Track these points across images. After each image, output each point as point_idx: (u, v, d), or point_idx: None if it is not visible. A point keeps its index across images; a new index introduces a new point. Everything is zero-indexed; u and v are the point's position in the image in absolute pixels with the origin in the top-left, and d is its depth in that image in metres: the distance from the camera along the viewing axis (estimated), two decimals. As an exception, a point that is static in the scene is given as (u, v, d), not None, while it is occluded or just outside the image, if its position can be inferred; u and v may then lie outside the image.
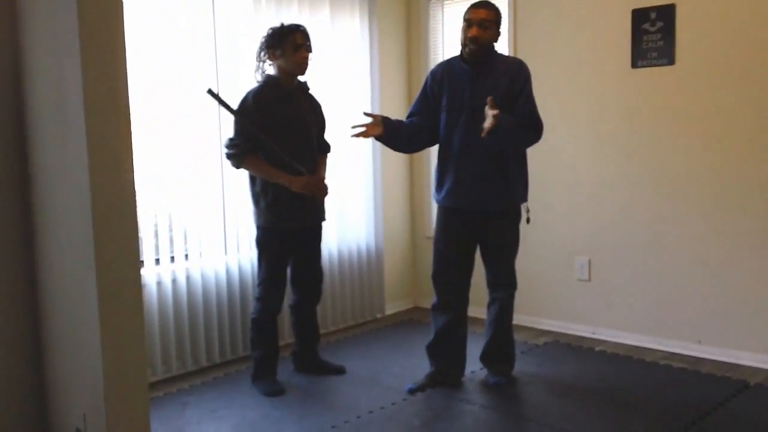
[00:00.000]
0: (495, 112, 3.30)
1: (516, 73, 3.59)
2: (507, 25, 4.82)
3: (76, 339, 2.67)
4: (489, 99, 3.37)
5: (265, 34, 3.76)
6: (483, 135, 3.36)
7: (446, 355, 3.81)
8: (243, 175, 3.89)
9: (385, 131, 3.63)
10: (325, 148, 4.03)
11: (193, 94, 4.08)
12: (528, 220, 3.75)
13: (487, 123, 3.33)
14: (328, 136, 4.08)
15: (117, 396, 2.58)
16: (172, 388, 3.93)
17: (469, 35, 3.54)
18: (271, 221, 3.74)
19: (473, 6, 3.59)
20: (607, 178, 4.53)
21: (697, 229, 4.20)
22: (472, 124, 3.56)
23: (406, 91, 5.42)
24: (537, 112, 3.57)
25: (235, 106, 3.70)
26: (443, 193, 3.70)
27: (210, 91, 3.60)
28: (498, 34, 3.62)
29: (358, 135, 3.63)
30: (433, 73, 3.78)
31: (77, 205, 2.54)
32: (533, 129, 3.53)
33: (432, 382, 3.79)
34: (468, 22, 3.56)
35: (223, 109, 4.15)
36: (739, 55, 3.99)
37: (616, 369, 4.07)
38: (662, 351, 4.31)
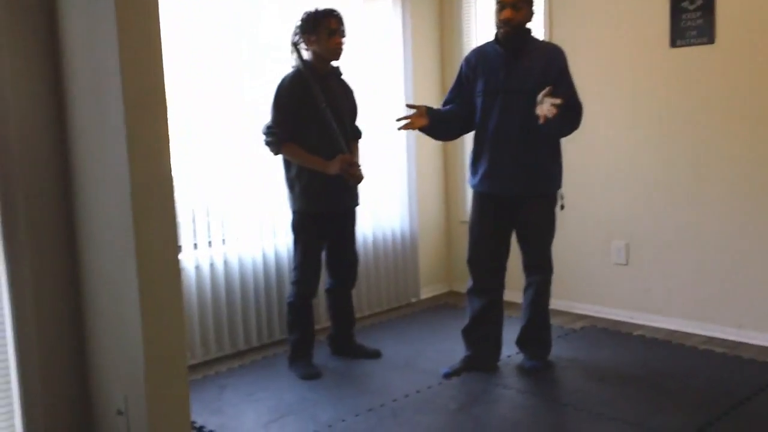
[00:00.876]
0: (557, 101, 3.25)
1: (552, 58, 3.55)
2: (543, 5, 4.77)
3: (117, 323, 2.72)
4: (548, 88, 3.33)
5: (300, 18, 3.77)
6: (541, 122, 3.33)
7: (482, 339, 3.81)
8: (278, 161, 3.91)
9: (431, 122, 3.62)
10: (357, 134, 4.04)
11: (229, 80, 4.11)
12: (562, 207, 3.72)
13: (546, 110, 3.28)
14: (360, 121, 4.08)
15: (157, 378, 2.62)
16: (210, 370, 3.99)
17: (501, 17, 3.51)
18: (306, 205, 3.76)
19: None
20: (645, 160, 4.46)
21: (737, 213, 4.13)
22: (506, 107, 3.54)
23: (440, 78, 5.39)
24: (578, 97, 3.53)
25: (272, 92, 3.73)
26: (478, 177, 3.69)
27: (295, 44, 3.71)
28: (532, 13, 3.58)
29: (404, 127, 3.61)
30: (467, 59, 3.75)
31: (117, 193, 2.58)
32: (577, 114, 3.49)
33: (467, 366, 3.80)
34: (501, 4, 3.52)
35: (259, 96, 4.19)
36: (782, 33, 3.90)
37: (654, 354, 4.03)
38: (702, 335, 4.26)
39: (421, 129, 3.67)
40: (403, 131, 4.26)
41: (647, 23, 4.37)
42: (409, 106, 3.65)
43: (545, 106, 3.29)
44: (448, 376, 3.75)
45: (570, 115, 3.45)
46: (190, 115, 3.98)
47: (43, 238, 2.79)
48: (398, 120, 3.64)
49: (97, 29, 2.56)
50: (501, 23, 3.53)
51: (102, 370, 2.87)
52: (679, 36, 4.25)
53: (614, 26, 4.51)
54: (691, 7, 4.18)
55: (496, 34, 3.62)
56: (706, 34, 4.14)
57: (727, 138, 4.13)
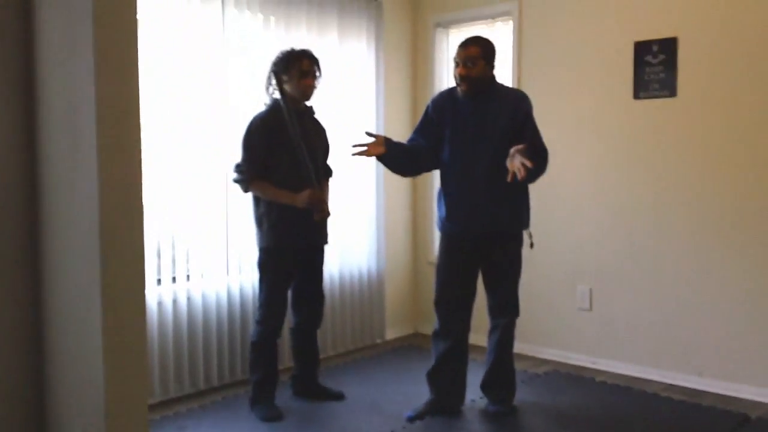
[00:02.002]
0: (528, 163, 3.30)
1: (517, 105, 3.62)
2: (511, 55, 4.88)
3: (78, 357, 2.66)
4: (522, 147, 3.37)
5: (275, 56, 3.80)
6: (509, 179, 3.38)
7: (446, 383, 3.79)
8: (246, 197, 3.91)
9: (387, 151, 3.65)
10: (328, 172, 4.05)
11: (200, 115, 4.11)
12: (531, 245, 3.75)
13: (515, 168, 3.33)
14: (332, 159, 4.10)
15: (118, 416, 2.57)
16: (169, 410, 3.91)
17: (455, 73, 3.60)
18: (274, 241, 3.74)
19: (460, 45, 3.62)
20: (609, 207, 4.54)
21: (700, 259, 4.21)
22: (473, 151, 3.60)
23: (411, 117, 5.45)
24: (543, 143, 3.59)
25: (244, 128, 3.75)
26: (446, 219, 3.72)
27: (275, 74, 3.70)
28: (490, 68, 3.63)
29: (359, 153, 3.64)
30: (435, 100, 3.81)
31: (86, 221, 2.54)
32: (543, 160, 3.55)
33: (432, 409, 3.77)
34: (455, 61, 3.61)
35: (230, 129, 4.19)
36: (740, 86, 4.03)
37: (616, 400, 4.05)
38: (663, 382, 4.30)
39: (379, 158, 3.68)
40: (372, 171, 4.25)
41: (612, 75, 4.48)
42: (369, 135, 3.66)
43: (516, 163, 3.32)
44: (411, 419, 3.72)
45: (536, 163, 3.50)
46: (158, 148, 3.95)
47: (5, 270, 2.74)
48: (354, 146, 3.64)
49: (74, 59, 2.55)
50: (457, 79, 3.61)
51: (62, 407, 2.80)
52: (642, 88, 4.37)
53: (580, 77, 4.63)
54: (654, 62, 4.31)
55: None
56: (668, 87, 4.27)
57: (687, 186, 4.23)
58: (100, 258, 2.49)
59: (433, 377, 3.82)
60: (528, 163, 3.29)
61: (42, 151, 2.77)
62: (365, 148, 3.62)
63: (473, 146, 3.60)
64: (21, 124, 2.77)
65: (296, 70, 3.71)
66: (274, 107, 3.75)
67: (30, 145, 2.79)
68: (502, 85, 3.77)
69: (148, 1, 3.84)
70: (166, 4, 3.96)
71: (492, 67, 3.64)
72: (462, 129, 3.63)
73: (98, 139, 2.48)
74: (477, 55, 3.56)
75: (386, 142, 3.65)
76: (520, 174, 3.30)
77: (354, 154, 3.65)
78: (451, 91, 3.77)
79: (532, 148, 3.43)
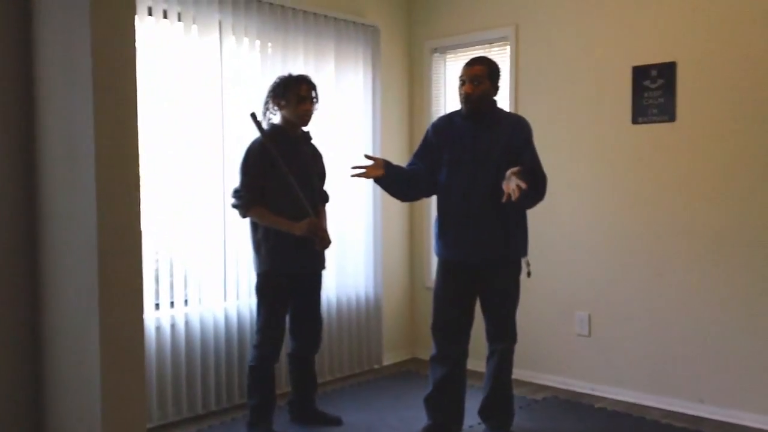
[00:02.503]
0: (523, 185, 3.30)
1: (516, 129, 3.63)
2: (508, 80, 4.90)
3: (76, 382, 2.65)
4: (518, 168, 3.38)
5: (273, 82, 3.82)
6: (503, 199, 3.38)
7: (444, 408, 3.76)
8: (244, 222, 3.91)
9: (386, 174, 3.65)
10: (325, 198, 4.06)
11: (198, 142, 4.13)
12: (529, 274, 3.74)
13: (510, 189, 3.33)
14: (329, 185, 4.11)
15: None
16: (166, 435, 3.88)
17: (461, 91, 3.61)
18: (272, 266, 3.74)
19: (467, 64, 3.66)
20: (608, 233, 4.54)
21: (699, 286, 4.20)
22: (472, 177, 3.60)
23: (408, 143, 5.47)
24: (542, 169, 3.60)
25: (241, 154, 3.76)
26: (443, 245, 3.71)
27: (253, 116, 3.68)
28: (495, 88, 3.66)
29: (357, 175, 3.64)
30: (435, 125, 3.83)
31: (84, 249, 2.55)
32: (542, 185, 3.56)
33: None
34: (461, 79, 3.63)
35: (227, 156, 4.21)
36: (739, 112, 4.05)
37: (615, 426, 4.02)
38: (663, 409, 4.27)
39: (377, 181, 3.68)
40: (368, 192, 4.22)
41: (610, 100, 4.50)
42: (368, 157, 3.67)
43: (511, 185, 3.33)
44: None
45: (536, 192, 3.51)
46: (157, 175, 3.96)
47: (5, 297, 2.73)
48: (353, 168, 3.64)
49: (74, 82, 2.57)
50: (462, 98, 3.62)
51: (60, 429, 2.78)
52: (640, 113, 4.38)
53: (578, 103, 4.65)
54: (653, 86, 4.33)
55: (461, 108, 3.70)
56: (666, 112, 4.28)
57: (687, 213, 4.23)
58: (99, 283, 2.50)
59: (430, 402, 3.79)
60: (522, 185, 3.29)
61: (42, 179, 2.77)
62: (364, 170, 3.63)
63: (472, 171, 3.60)
64: (22, 158, 2.79)
65: (294, 95, 3.73)
66: (272, 132, 3.76)
67: (30, 171, 2.80)
68: (502, 110, 3.79)
69: (146, 29, 3.87)
70: (165, 32, 3.98)
71: (496, 88, 3.67)
72: (461, 153, 3.64)
73: (96, 167, 2.49)
74: (483, 74, 3.58)
75: (385, 165, 3.66)
76: (515, 195, 3.30)
77: (353, 176, 3.65)
78: (451, 115, 3.79)
79: (530, 172, 3.43)
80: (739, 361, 4.07)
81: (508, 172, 3.38)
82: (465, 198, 3.62)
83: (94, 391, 2.53)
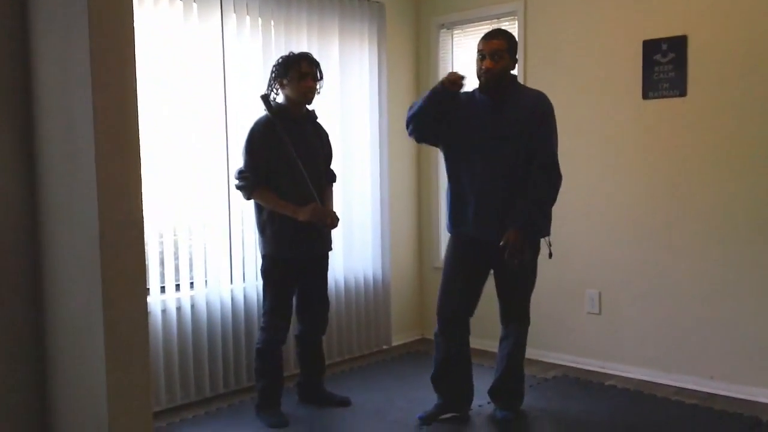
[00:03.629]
0: (522, 256, 3.43)
1: (536, 105, 3.54)
2: (518, 55, 4.81)
3: (81, 366, 2.64)
4: (506, 240, 3.42)
5: (275, 62, 3.77)
6: (515, 267, 3.46)
7: (451, 385, 3.75)
8: (249, 204, 3.88)
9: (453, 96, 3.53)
10: (331, 177, 4.01)
11: (201, 123, 4.09)
12: (550, 255, 3.65)
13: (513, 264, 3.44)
14: (336, 164, 4.07)
15: (121, 425, 2.55)
16: (175, 418, 3.88)
17: (482, 67, 3.52)
18: (277, 250, 3.71)
19: (485, 37, 3.56)
20: (619, 210, 4.49)
21: (710, 263, 4.15)
22: (491, 154, 3.52)
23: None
24: (554, 155, 3.53)
25: (245, 135, 3.72)
26: (460, 221, 3.64)
27: (264, 97, 3.65)
28: (514, 62, 3.59)
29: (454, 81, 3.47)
30: (460, 97, 3.65)
31: (85, 232, 2.52)
32: (549, 176, 3.50)
33: (441, 411, 3.75)
34: (481, 53, 3.53)
35: (231, 136, 4.17)
36: (750, 86, 3.97)
37: (625, 404, 4.00)
38: (673, 386, 4.24)
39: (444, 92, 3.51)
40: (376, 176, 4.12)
41: (620, 75, 4.43)
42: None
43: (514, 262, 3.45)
44: (422, 420, 3.71)
45: (539, 210, 3.51)
46: (160, 156, 3.93)
47: (6, 282, 2.72)
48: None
49: (71, 59, 2.53)
50: (481, 73, 3.54)
51: (65, 417, 2.78)
52: (651, 88, 4.31)
53: (589, 78, 4.57)
54: (664, 60, 4.25)
55: (480, 84, 3.60)
56: (678, 87, 4.21)
57: (697, 189, 4.17)
58: (101, 267, 2.47)
59: (436, 382, 3.78)
60: (521, 257, 3.41)
61: (41, 161, 2.74)
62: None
63: (491, 147, 3.52)
64: (20, 146, 2.76)
65: (295, 72, 3.68)
66: (270, 117, 3.70)
67: (29, 155, 2.77)
68: (521, 86, 3.72)
69: (146, 7, 3.82)
70: (164, 12, 3.92)
71: (515, 61, 3.59)
72: (479, 130, 3.55)
73: (96, 148, 2.45)
74: (503, 48, 3.50)
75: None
76: (516, 265, 3.43)
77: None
78: (470, 94, 3.65)
79: (523, 218, 3.46)
80: (750, 337, 4.03)
81: (502, 243, 3.43)
82: (483, 176, 3.54)
83: (98, 375, 2.51)
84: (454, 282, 3.67)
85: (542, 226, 3.54)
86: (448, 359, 3.71)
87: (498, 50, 3.49)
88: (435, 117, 3.56)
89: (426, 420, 3.70)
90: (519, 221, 3.43)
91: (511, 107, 3.54)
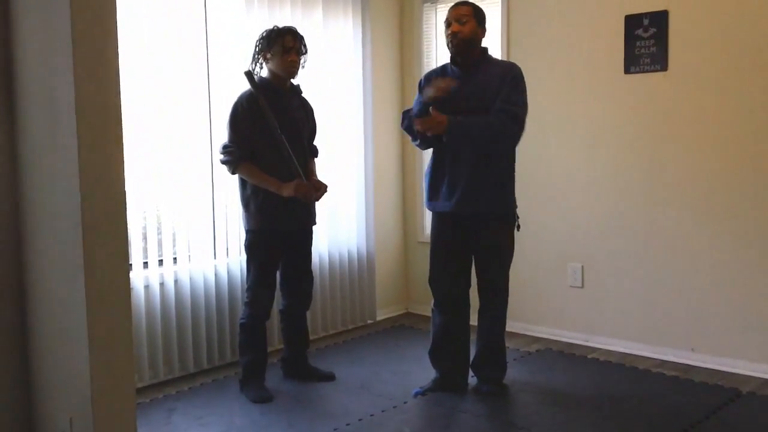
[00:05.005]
0: (439, 117, 3.39)
1: (506, 72, 3.56)
2: (499, 31, 4.81)
3: (63, 343, 2.63)
4: (432, 110, 3.41)
5: (259, 36, 3.74)
6: (428, 133, 3.43)
7: (447, 358, 3.78)
8: (233, 179, 3.86)
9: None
10: (314, 152, 4.00)
11: (184, 97, 4.05)
12: (518, 228, 3.71)
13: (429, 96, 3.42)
14: (320, 138, 4.05)
15: (104, 401, 2.55)
16: (158, 393, 3.88)
17: (449, 33, 3.56)
18: (261, 223, 3.71)
19: (451, 7, 3.62)
20: (600, 183, 4.51)
21: (691, 236, 4.19)
22: None
23: (399, 94, 5.40)
24: (517, 106, 3.50)
25: (229, 109, 3.69)
26: (435, 198, 3.68)
27: (248, 74, 3.63)
28: (482, 30, 3.60)
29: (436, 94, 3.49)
30: (428, 76, 3.76)
31: (67, 207, 2.50)
32: (506, 116, 3.46)
33: (437, 387, 3.78)
34: (447, 21, 3.58)
35: (214, 110, 4.14)
36: (731, 61, 3.99)
37: (608, 377, 4.04)
38: (655, 359, 4.29)
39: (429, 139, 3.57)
40: (360, 152, 4.14)
41: (602, 50, 4.43)
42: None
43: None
44: (417, 395, 3.74)
45: (482, 123, 3.44)
46: (143, 131, 3.89)
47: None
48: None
49: (52, 31, 2.50)
50: (449, 38, 3.57)
51: (47, 392, 2.77)
52: (633, 63, 4.31)
53: (570, 52, 4.57)
54: (645, 35, 4.25)
55: (450, 54, 3.63)
56: (659, 61, 4.21)
57: (680, 162, 4.20)
58: (83, 242, 2.45)
59: (433, 354, 3.81)
60: (426, 126, 3.39)
61: (22, 138, 2.71)
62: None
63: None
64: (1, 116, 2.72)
65: (279, 46, 3.65)
66: (254, 92, 3.67)
67: (10, 131, 2.74)
68: (493, 58, 3.73)
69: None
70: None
71: (483, 30, 3.61)
72: (451, 102, 3.56)
73: (78, 122, 2.43)
74: (468, 13, 3.54)
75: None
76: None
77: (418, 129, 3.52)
78: (443, 67, 3.72)
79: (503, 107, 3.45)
80: (730, 310, 4.08)
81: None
82: (456, 148, 3.57)
83: (81, 351, 2.50)
84: (440, 253, 3.71)
85: (468, 131, 3.47)
86: (445, 330, 3.74)
87: (464, 14, 3.54)
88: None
89: (421, 394, 3.74)
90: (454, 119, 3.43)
91: (483, 78, 3.56)
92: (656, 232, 4.30)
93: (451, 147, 3.56)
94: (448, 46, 3.60)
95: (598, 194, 4.52)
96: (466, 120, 3.46)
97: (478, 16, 3.58)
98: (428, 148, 3.75)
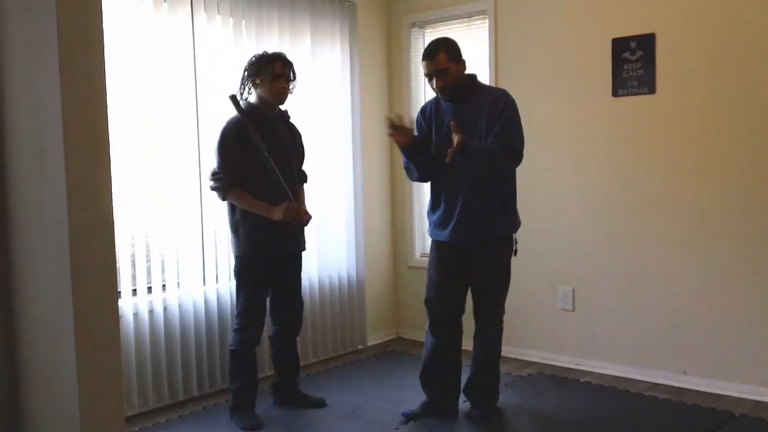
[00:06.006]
0: (458, 136, 3.33)
1: (496, 100, 3.56)
2: (488, 53, 4.84)
3: (52, 372, 2.59)
4: (452, 123, 3.39)
5: (248, 61, 3.74)
6: (447, 160, 3.36)
7: (438, 383, 3.76)
8: (221, 204, 3.84)
9: (413, 143, 3.57)
10: (303, 178, 3.99)
11: (172, 123, 4.04)
12: (515, 253, 3.71)
13: (453, 146, 3.36)
14: (308, 163, 4.05)
15: (93, 430, 2.50)
16: (148, 422, 3.83)
17: (434, 87, 3.58)
18: (250, 249, 3.69)
19: (424, 57, 3.57)
20: (590, 207, 4.52)
21: (681, 258, 4.19)
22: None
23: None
24: (514, 139, 3.51)
25: (217, 135, 3.69)
26: (433, 226, 3.72)
27: (233, 98, 3.62)
28: (462, 65, 3.60)
29: (392, 133, 3.54)
30: (423, 109, 3.80)
31: (54, 235, 2.48)
32: (507, 152, 3.47)
33: (426, 411, 3.75)
34: (428, 76, 3.58)
35: (202, 136, 4.13)
36: (719, 83, 4.02)
37: (600, 400, 4.02)
38: (647, 382, 4.27)
39: (403, 147, 3.60)
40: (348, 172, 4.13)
41: (590, 73, 4.46)
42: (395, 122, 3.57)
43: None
44: (406, 417, 3.72)
45: (489, 154, 3.44)
46: (131, 156, 3.88)
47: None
48: (391, 125, 3.55)
49: (39, 59, 2.49)
50: (436, 91, 3.60)
51: (36, 422, 2.73)
52: (620, 86, 4.34)
53: (558, 76, 4.60)
54: (633, 58, 4.29)
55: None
56: (646, 84, 4.24)
57: (669, 185, 4.21)
58: (71, 270, 2.43)
59: (424, 378, 3.79)
60: (457, 135, 3.33)
61: (8, 165, 2.69)
62: (396, 130, 3.53)
63: None
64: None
65: (268, 72, 3.65)
66: (247, 111, 3.68)
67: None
68: (483, 85, 3.75)
69: (115, 6, 3.76)
70: (134, 9, 3.87)
71: (463, 63, 3.60)
72: (444, 133, 3.59)
73: (65, 147, 2.41)
74: (444, 62, 3.51)
75: (414, 136, 3.60)
76: (453, 146, 3.34)
77: (389, 133, 3.56)
78: (436, 99, 3.73)
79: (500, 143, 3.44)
80: (721, 333, 4.07)
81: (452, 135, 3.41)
82: (451, 179, 3.58)
83: (70, 380, 2.47)
84: (437, 276, 3.71)
85: (479, 157, 3.45)
86: (437, 352, 3.73)
87: (442, 68, 3.51)
88: (425, 160, 3.63)
89: (409, 417, 3.71)
90: (470, 142, 3.44)
91: (473, 108, 3.57)
92: (647, 255, 4.31)
93: (447, 175, 3.57)
94: (435, 92, 3.63)
95: (587, 217, 4.53)
96: (478, 144, 3.46)
97: (454, 56, 3.55)
98: (425, 181, 3.80)
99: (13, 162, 2.68)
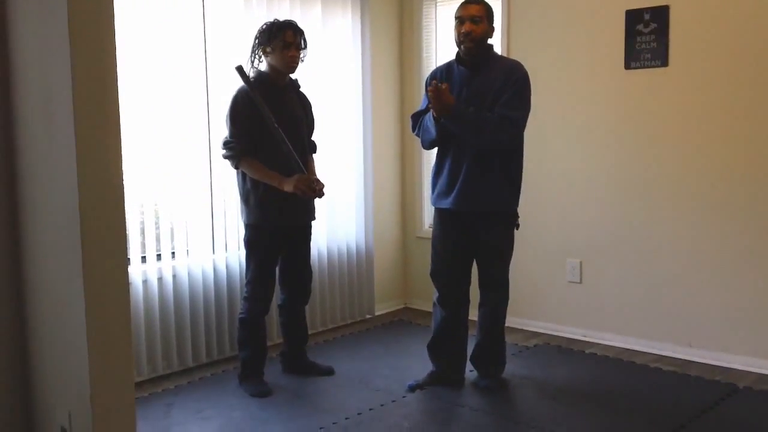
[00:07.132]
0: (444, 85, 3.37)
1: (510, 73, 3.54)
2: (500, 26, 4.79)
3: (62, 337, 2.62)
4: (444, 86, 3.38)
5: (258, 29, 3.72)
6: (434, 114, 3.40)
7: (446, 353, 3.79)
8: (231, 172, 3.85)
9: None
10: (313, 148, 3.99)
11: (182, 92, 4.04)
12: (517, 227, 3.71)
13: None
14: (318, 133, 4.04)
15: (103, 395, 2.54)
16: (157, 388, 3.88)
17: (462, 31, 3.52)
18: (261, 218, 3.70)
19: (463, 3, 3.57)
20: (600, 179, 4.51)
21: (689, 232, 4.19)
22: None
23: (399, 91, 5.38)
24: (516, 110, 3.48)
25: (227, 103, 3.68)
26: (436, 194, 3.70)
27: (239, 69, 3.60)
28: (492, 29, 3.59)
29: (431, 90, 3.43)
30: (433, 74, 3.75)
31: (65, 202, 2.50)
32: (504, 122, 3.44)
33: (433, 381, 3.79)
34: (459, 19, 3.54)
35: (212, 105, 4.13)
36: (732, 56, 3.98)
37: (606, 372, 4.05)
38: (652, 354, 4.30)
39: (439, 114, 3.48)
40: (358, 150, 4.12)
41: (603, 46, 4.42)
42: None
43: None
44: (412, 388, 3.74)
45: (481, 121, 3.42)
46: (141, 126, 3.88)
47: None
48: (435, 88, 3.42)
49: (49, 27, 2.49)
50: (462, 37, 3.53)
51: (46, 387, 2.76)
52: (633, 58, 4.31)
53: (571, 48, 4.56)
54: (646, 30, 4.24)
55: (458, 52, 3.61)
56: (659, 57, 4.21)
57: (680, 158, 4.19)
58: (81, 237, 2.44)
59: (432, 348, 3.82)
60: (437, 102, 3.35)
61: (19, 135, 2.70)
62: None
63: None
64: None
65: (279, 41, 3.63)
66: (257, 80, 3.67)
67: (7, 129, 2.73)
68: (498, 55, 3.72)
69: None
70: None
71: (493, 29, 3.60)
72: (456, 99, 3.55)
73: (75, 117, 2.41)
74: (482, 14, 3.52)
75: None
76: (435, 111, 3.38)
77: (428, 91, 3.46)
78: (448, 65, 3.70)
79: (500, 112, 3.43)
80: (727, 305, 4.08)
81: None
82: (458, 147, 3.57)
83: (80, 346, 2.50)
84: (443, 247, 3.72)
85: (468, 124, 3.44)
86: (445, 324, 3.75)
87: (477, 15, 3.50)
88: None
89: (415, 387, 3.75)
90: (460, 105, 3.45)
91: (487, 77, 3.55)
92: (655, 228, 4.30)
93: (453, 143, 3.56)
94: (457, 44, 3.57)
95: (597, 190, 4.52)
96: (469, 110, 3.45)
97: (490, 15, 3.57)
98: (432, 148, 3.77)
99: (23, 131, 2.69)
